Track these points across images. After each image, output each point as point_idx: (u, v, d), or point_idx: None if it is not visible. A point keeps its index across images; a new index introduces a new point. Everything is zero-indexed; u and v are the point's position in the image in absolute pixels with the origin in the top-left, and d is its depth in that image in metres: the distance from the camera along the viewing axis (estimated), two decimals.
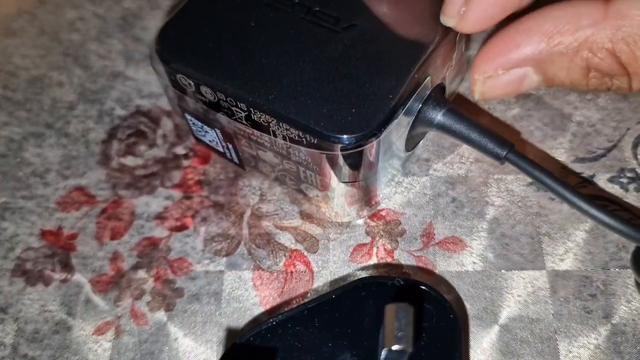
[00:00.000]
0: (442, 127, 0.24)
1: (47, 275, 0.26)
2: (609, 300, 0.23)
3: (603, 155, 0.26)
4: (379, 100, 0.21)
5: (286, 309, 0.21)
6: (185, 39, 0.24)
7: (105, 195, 0.27)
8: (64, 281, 0.25)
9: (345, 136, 0.21)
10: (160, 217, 0.26)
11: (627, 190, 0.26)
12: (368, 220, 0.26)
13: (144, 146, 0.28)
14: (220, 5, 0.25)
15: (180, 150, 0.28)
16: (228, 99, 0.22)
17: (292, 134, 0.22)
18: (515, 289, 0.24)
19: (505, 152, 0.23)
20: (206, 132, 0.25)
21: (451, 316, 0.21)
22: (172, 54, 0.23)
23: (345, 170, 0.22)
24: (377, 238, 0.25)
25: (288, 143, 0.22)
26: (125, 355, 0.24)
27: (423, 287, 0.21)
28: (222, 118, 0.23)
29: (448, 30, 0.23)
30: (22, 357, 0.24)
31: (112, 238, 0.26)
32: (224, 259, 0.25)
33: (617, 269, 0.24)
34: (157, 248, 0.26)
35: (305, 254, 0.25)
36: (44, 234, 0.27)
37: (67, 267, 0.26)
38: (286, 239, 0.25)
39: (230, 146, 0.25)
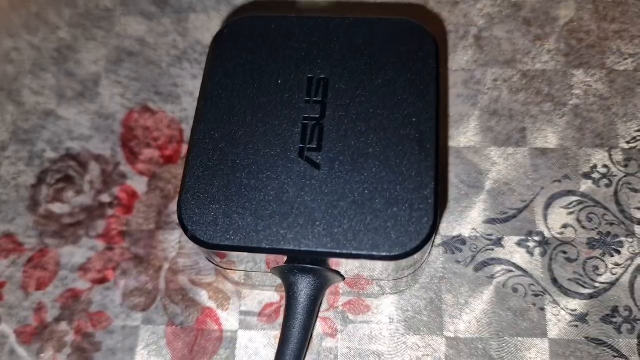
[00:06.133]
0: None
1: None
2: None
3: (514, 217, 0.27)
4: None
5: None
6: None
7: (33, 243, 0.28)
8: None
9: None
10: (84, 268, 0.28)
11: (532, 254, 0.26)
12: None
13: (71, 192, 0.29)
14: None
15: (105, 198, 0.29)
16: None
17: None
18: None
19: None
20: None
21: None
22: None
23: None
24: None
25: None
26: None
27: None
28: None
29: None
30: None
31: (38, 288, 0.27)
32: (140, 314, 0.27)
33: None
34: (79, 300, 0.27)
35: (217, 311, 0.26)
36: None
37: None
38: (200, 295, 0.27)
39: None
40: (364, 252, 0.21)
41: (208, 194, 0.22)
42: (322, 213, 0.21)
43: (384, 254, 0.21)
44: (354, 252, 0.21)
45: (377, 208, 0.21)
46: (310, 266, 0.22)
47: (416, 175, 0.22)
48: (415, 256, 0.21)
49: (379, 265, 0.22)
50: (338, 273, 0.23)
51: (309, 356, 0.25)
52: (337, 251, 0.21)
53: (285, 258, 0.22)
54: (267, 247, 0.21)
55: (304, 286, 0.23)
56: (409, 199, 0.21)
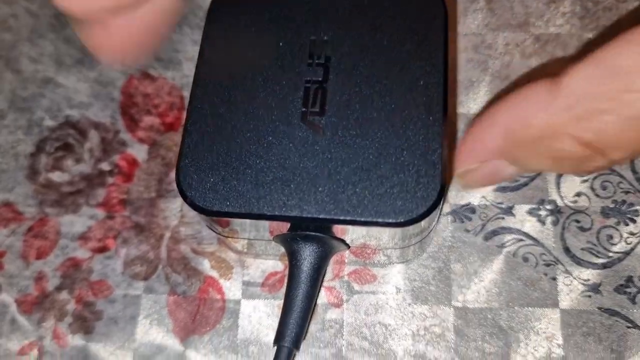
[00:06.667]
0: None
1: None
2: None
3: (525, 185, 0.26)
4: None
5: None
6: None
7: (32, 212, 0.28)
8: None
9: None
10: (84, 237, 0.27)
11: (543, 223, 0.25)
12: None
13: (70, 161, 0.28)
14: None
15: (105, 166, 0.28)
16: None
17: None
18: None
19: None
20: None
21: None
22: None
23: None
24: None
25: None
26: None
27: None
28: None
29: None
30: None
31: (38, 257, 0.27)
32: (142, 282, 0.26)
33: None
34: (80, 269, 0.27)
35: (219, 280, 0.26)
36: None
37: None
38: (202, 264, 0.26)
39: None
40: (369, 219, 0.20)
41: (207, 160, 0.21)
42: (325, 179, 0.21)
43: (390, 220, 0.20)
44: (358, 219, 0.20)
45: (383, 174, 0.20)
46: (314, 234, 0.22)
47: (423, 140, 0.21)
48: (422, 223, 0.20)
49: (385, 233, 0.21)
50: (342, 241, 0.23)
51: (313, 326, 0.25)
52: (341, 218, 0.20)
53: (288, 225, 0.22)
54: (268, 213, 0.20)
55: (307, 254, 0.22)
56: (415, 164, 0.20)
